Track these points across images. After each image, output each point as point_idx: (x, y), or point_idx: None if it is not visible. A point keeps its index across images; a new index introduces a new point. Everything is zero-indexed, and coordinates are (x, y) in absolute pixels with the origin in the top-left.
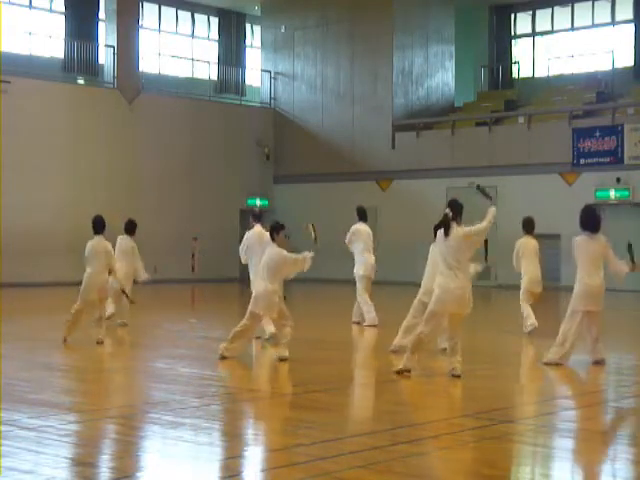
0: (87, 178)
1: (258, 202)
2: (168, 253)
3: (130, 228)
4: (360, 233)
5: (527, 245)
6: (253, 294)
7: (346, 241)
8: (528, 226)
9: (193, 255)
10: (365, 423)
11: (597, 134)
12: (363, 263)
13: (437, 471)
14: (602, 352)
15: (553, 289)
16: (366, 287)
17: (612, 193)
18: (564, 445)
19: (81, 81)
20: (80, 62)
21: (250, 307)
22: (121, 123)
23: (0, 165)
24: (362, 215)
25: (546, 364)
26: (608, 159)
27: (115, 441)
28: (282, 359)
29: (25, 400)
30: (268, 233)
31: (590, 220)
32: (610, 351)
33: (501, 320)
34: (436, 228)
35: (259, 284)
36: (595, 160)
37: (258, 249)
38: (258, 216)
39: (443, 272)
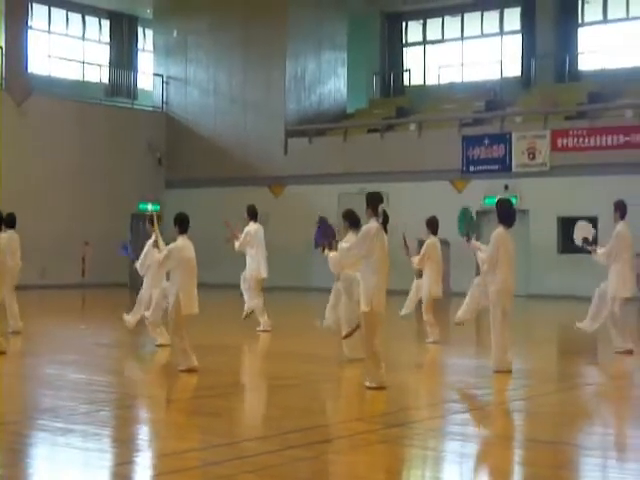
0: None
1: (150, 206)
2: (58, 257)
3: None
4: (255, 234)
5: (435, 247)
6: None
7: (238, 245)
8: (434, 226)
9: (84, 259)
10: (256, 427)
11: (486, 142)
12: (254, 263)
13: (329, 475)
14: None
15: (443, 294)
16: (256, 289)
17: None
18: (454, 448)
19: None
20: None
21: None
22: (10, 125)
23: None
24: (253, 215)
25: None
26: (497, 166)
27: (2, 449)
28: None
29: None
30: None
31: (510, 214)
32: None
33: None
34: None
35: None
36: (484, 167)
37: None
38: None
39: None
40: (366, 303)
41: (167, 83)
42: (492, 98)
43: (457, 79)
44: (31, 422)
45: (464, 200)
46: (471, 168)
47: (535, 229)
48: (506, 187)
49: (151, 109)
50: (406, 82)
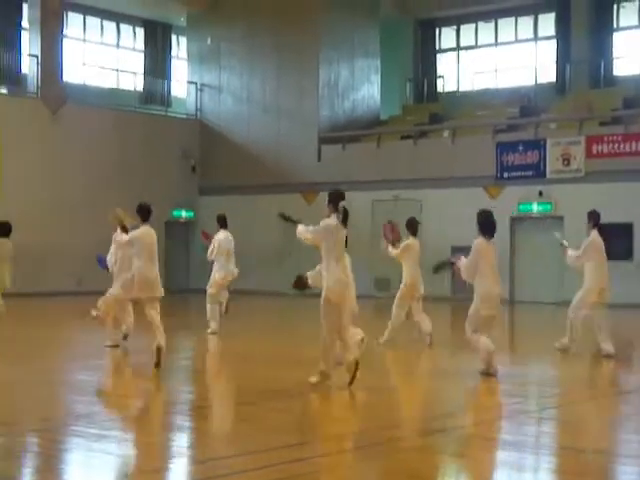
0: (10, 189)
1: (183, 213)
2: (94, 264)
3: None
4: (224, 242)
5: (414, 247)
6: None
7: (209, 253)
8: (414, 228)
9: None
10: (287, 435)
11: (520, 148)
12: (226, 271)
13: None
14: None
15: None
16: (217, 295)
17: (535, 206)
18: (488, 456)
19: (4, 91)
20: (3, 71)
21: None
22: (44, 133)
23: None
24: (223, 223)
25: (484, 374)
26: (531, 173)
27: (37, 454)
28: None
29: None
30: None
31: (490, 225)
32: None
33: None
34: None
35: None
36: (518, 174)
37: None
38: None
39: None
40: (325, 294)
41: (201, 90)
42: (526, 104)
43: (491, 85)
44: (66, 428)
45: (498, 207)
46: (505, 175)
47: (569, 236)
48: (540, 193)
49: (185, 116)
50: (439, 88)
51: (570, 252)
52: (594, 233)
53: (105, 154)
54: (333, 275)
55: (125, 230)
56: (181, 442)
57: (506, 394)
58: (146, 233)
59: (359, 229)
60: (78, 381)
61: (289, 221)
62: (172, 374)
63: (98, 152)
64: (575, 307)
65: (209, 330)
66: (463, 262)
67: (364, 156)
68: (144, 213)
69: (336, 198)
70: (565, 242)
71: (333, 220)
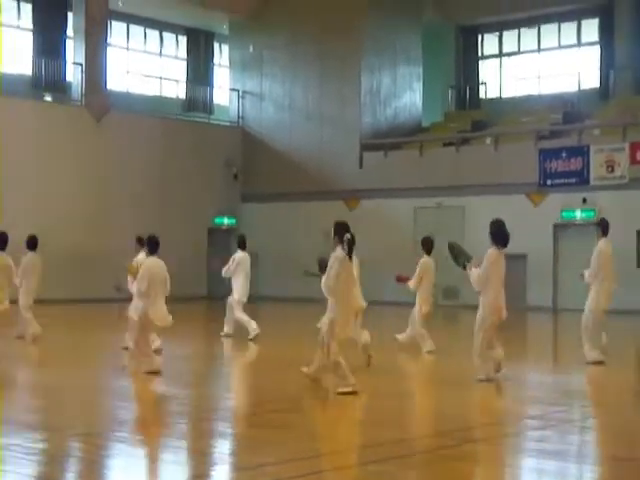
0: (55, 195)
1: (226, 220)
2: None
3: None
4: (242, 262)
5: (430, 266)
6: None
7: (225, 271)
8: (429, 246)
9: None
10: (330, 442)
11: (563, 155)
12: (242, 288)
13: None
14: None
15: (519, 310)
16: (243, 309)
17: (578, 214)
18: (532, 465)
19: (49, 98)
20: (48, 79)
21: None
22: (89, 141)
23: None
24: (242, 244)
25: (482, 380)
26: (574, 180)
27: (81, 459)
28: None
29: None
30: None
31: (503, 234)
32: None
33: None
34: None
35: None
36: (561, 181)
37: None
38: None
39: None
40: (330, 327)
41: (243, 98)
42: (569, 110)
43: (534, 91)
44: (109, 433)
45: (541, 214)
46: (548, 181)
47: (614, 243)
48: (584, 200)
49: (227, 124)
50: (482, 95)
51: (586, 273)
52: (602, 242)
53: (148, 161)
54: (341, 310)
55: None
56: (223, 449)
57: (548, 403)
58: (155, 264)
59: (402, 237)
60: (120, 387)
61: (314, 275)
62: (213, 380)
63: (141, 159)
64: (591, 318)
65: (250, 336)
66: (475, 272)
67: (406, 163)
68: (152, 245)
69: (341, 230)
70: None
71: (340, 252)
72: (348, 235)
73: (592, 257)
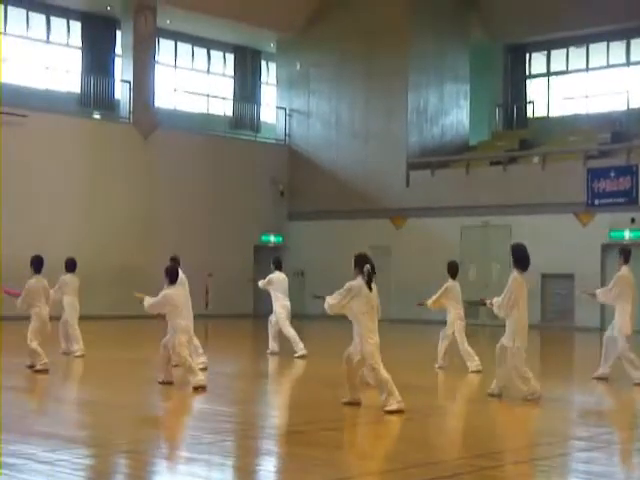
0: (103, 212)
1: (272, 238)
2: None
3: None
4: (279, 282)
5: (453, 289)
6: None
7: (261, 284)
8: (454, 270)
9: (207, 291)
10: (377, 461)
11: (612, 174)
12: (282, 306)
13: None
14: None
15: (566, 330)
16: (286, 324)
17: (627, 234)
18: None
19: (97, 116)
20: (96, 97)
21: None
22: (137, 158)
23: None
24: (278, 265)
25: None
26: (623, 199)
27: (128, 476)
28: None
29: (39, 433)
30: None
31: (525, 258)
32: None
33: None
34: (369, 281)
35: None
36: (610, 200)
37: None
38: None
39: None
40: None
41: (290, 116)
42: (618, 129)
43: (582, 111)
44: (155, 450)
45: (589, 233)
46: (596, 201)
47: None
48: (632, 220)
49: (274, 142)
50: (529, 114)
51: (598, 290)
52: (624, 269)
53: (195, 179)
54: (367, 335)
55: None
56: (269, 467)
57: (595, 424)
58: (176, 294)
59: (448, 255)
60: (166, 404)
61: (321, 298)
62: (259, 398)
63: (188, 177)
64: (618, 344)
65: (297, 354)
66: (497, 300)
67: (453, 182)
68: (173, 276)
69: (361, 261)
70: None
71: (358, 281)
72: (368, 266)
73: (613, 279)
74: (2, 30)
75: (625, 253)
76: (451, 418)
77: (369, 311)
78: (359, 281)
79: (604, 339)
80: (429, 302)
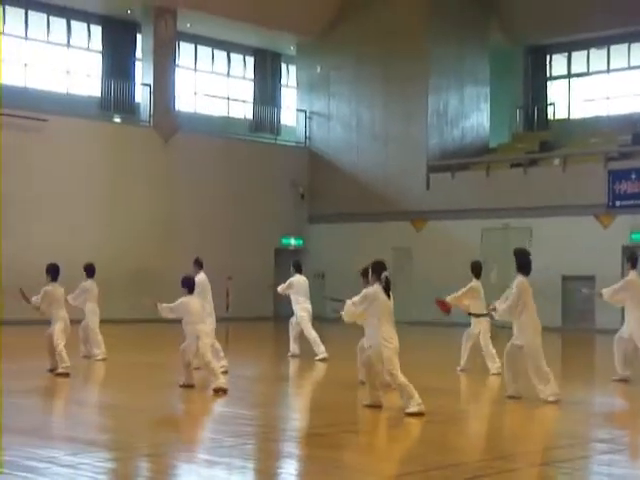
0: (124, 216)
1: (292, 241)
2: None
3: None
4: (299, 285)
5: (477, 289)
6: None
7: (280, 290)
8: (478, 270)
9: (228, 294)
10: (399, 463)
11: (633, 176)
12: (303, 309)
13: None
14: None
15: (587, 332)
16: (308, 326)
17: None
18: None
19: (118, 119)
20: (117, 101)
21: None
22: (157, 161)
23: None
24: (298, 268)
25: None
26: None
27: (149, 479)
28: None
29: (61, 437)
30: None
31: (529, 264)
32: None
33: None
34: (386, 288)
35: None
36: (631, 202)
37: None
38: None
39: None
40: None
41: (310, 118)
42: (639, 131)
43: (603, 112)
44: (177, 453)
45: (610, 235)
46: (617, 203)
47: None
48: None
49: (294, 144)
50: (550, 116)
51: (605, 290)
52: (633, 273)
53: (216, 182)
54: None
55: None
56: (290, 469)
57: (616, 426)
58: (192, 302)
59: (469, 258)
60: (187, 407)
61: (338, 301)
62: (280, 401)
63: (209, 180)
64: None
65: (318, 357)
66: (502, 307)
67: (473, 184)
68: (189, 286)
69: (379, 268)
70: (599, 291)
71: (375, 288)
72: (386, 273)
73: (622, 282)
74: (23, 34)
75: (633, 258)
76: (471, 420)
77: (387, 316)
78: (376, 287)
79: (614, 341)
80: (449, 298)
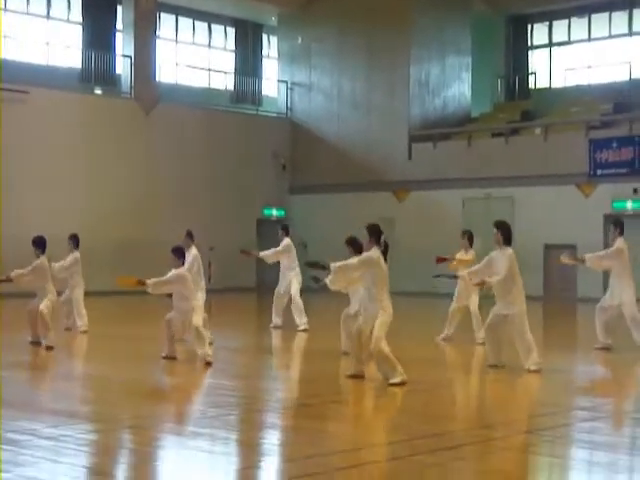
0: (104, 187)
1: (274, 212)
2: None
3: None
4: (292, 248)
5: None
6: None
7: (274, 256)
8: (471, 240)
9: (210, 265)
10: (382, 433)
11: (614, 145)
12: (298, 274)
13: None
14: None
15: (569, 301)
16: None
17: (629, 204)
18: (583, 457)
19: (98, 91)
20: (97, 72)
21: None
22: (138, 133)
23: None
24: (287, 231)
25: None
26: (625, 170)
27: (132, 451)
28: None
29: (44, 409)
30: None
31: (511, 234)
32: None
33: None
34: (384, 253)
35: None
36: (612, 171)
37: None
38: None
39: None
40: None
41: (291, 89)
42: (620, 100)
43: (584, 81)
44: (160, 425)
45: (591, 204)
46: (598, 172)
47: None
48: (635, 191)
49: (275, 115)
50: (531, 85)
51: (588, 255)
52: (620, 241)
53: (197, 153)
54: (388, 304)
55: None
56: (273, 440)
57: (598, 394)
58: (187, 275)
59: (451, 228)
60: (169, 379)
61: (318, 267)
62: (262, 372)
63: (190, 151)
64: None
65: (300, 328)
66: (494, 277)
67: (455, 154)
68: (183, 255)
69: (378, 232)
70: (581, 256)
71: (375, 252)
72: (384, 236)
73: (611, 250)
74: (2, 6)
75: (620, 225)
76: (455, 390)
77: (384, 283)
78: (376, 252)
79: (596, 309)
80: (468, 272)
